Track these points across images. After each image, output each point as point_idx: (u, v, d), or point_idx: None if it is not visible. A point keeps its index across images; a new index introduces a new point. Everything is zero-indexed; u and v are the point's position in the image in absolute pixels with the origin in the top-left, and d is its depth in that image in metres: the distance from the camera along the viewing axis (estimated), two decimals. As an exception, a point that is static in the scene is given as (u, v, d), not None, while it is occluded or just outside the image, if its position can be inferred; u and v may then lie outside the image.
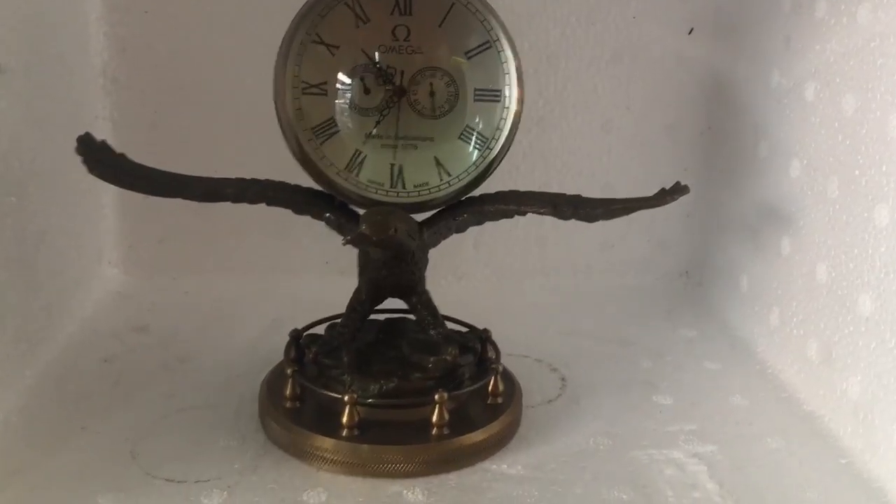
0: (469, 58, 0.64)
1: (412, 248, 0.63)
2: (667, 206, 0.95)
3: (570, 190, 0.94)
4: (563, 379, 0.76)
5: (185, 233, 0.93)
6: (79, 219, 0.85)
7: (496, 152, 0.65)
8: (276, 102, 0.63)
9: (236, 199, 0.62)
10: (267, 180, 0.65)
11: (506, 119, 0.64)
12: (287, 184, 0.65)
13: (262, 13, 0.85)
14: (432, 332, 0.67)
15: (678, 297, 0.97)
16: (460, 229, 0.67)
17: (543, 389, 0.74)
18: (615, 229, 0.96)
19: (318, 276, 0.94)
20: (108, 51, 0.87)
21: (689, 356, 0.82)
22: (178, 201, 0.89)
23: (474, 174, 0.65)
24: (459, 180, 0.65)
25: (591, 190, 0.95)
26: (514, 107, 0.64)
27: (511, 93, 0.64)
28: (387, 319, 0.72)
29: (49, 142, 0.75)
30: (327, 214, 0.65)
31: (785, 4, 0.78)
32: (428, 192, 0.65)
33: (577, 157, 0.94)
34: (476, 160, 0.65)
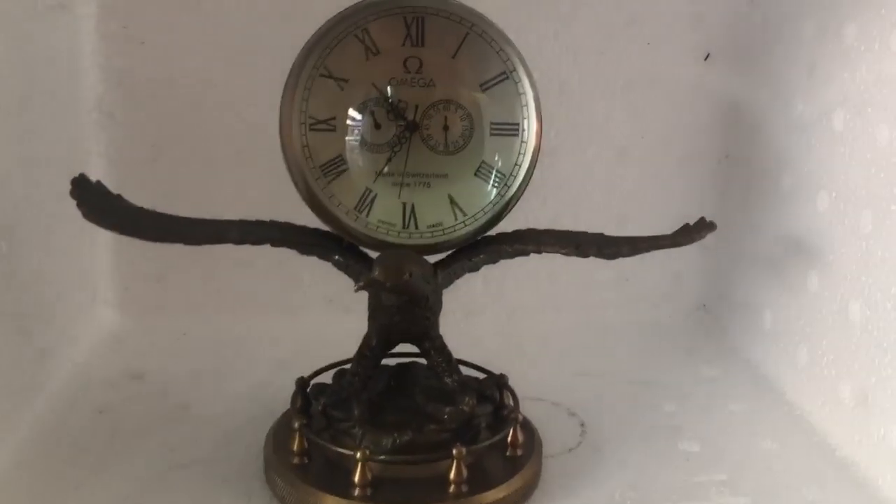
0: (485, 90, 0.60)
1: (427, 293, 0.60)
2: (682, 238, 0.94)
3: (584, 222, 0.91)
4: (582, 425, 0.72)
5: (183, 270, 0.89)
6: (72, 258, 0.81)
7: (514, 190, 0.61)
8: (281, 139, 0.60)
9: (239, 242, 0.59)
10: (271, 221, 0.61)
11: (524, 154, 0.61)
12: (293, 225, 0.62)
13: (267, 44, 0.82)
14: (447, 380, 0.63)
15: (696, 331, 0.93)
16: (474, 269, 0.64)
17: (563, 437, 0.70)
18: (630, 262, 0.91)
19: (321, 314, 0.90)
20: (104, 84, 0.83)
21: (713, 397, 0.78)
22: (181, 212, 0.87)
23: (491, 213, 0.61)
24: (475, 220, 0.61)
25: (605, 222, 0.91)
26: (532, 141, 0.60)
27: (529, 126, 0.61)
28: (398, 365, 0.68)
29: (40, 181, 0.72)
30: (336, 257, 0.62)
31: (807, 30, 0.75)
32: (442, 232, 0.61)
33: (589, 188, 0.91)
34: (493, 198, 0.61)
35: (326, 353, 0.71)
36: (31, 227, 0.71)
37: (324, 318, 0.89)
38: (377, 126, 0.60)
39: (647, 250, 0.63)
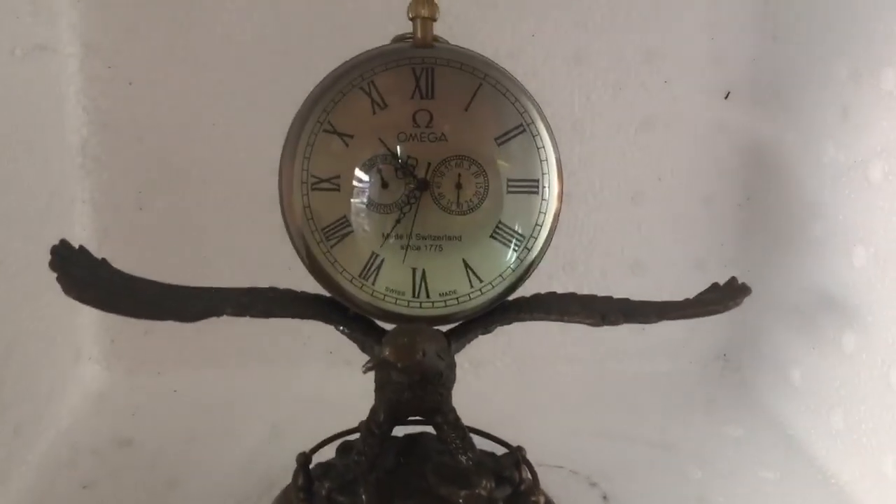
0: (500, 144, 0.55)
1: (441, 370, 0.55)
2: (700, 282, 0.88)
3: (597, 268, 0.88)
4: (605, 497, 0.67)
5: (172, 323, 0.84)
6: (53, 314, 0.75)
7: (535, 253, 0.56)
8: (281, 199, 0.55)
9: (237, 316, 0.54)
10: (270, 289, 0.56)
11: (545, 213, 0.56)
12: (294, 294, 0.57)
13: (263, 83, 0.79)
14: (462, 458, 0.58)
15: (717, 384, 0.88)
16: (488, 332, 0.59)
17: (584, 511, 0.66)
18: (645, 309, 0.89)
19: (321, 367, 0.85)
20: (88, 127, 0.78)
21: (740, 462, 0.73)
22: (166, 275, 0.82)
23: (510, 280, 0.56)
24: (493, 287, 0.56)
25: (620, 268, 0.88)
26: (554, 203, 0.56)
27: (550, 183, 0.55)
28: (406, 437, 0.63)
29: (18, 233, 0.67)
30: (341, 328, 0.57)
31: (840, 72, 0.70)
32: (456, 301, 0.56)
33: (604, 233, 0.86)
34: (511, 263, 0.56)
35: (326, 410, 0.66)
36: (8, 286, 0.66)
37: (324, 372, 0.84)
38: (385, 185, 0.55)
39: (677, 318, 0.58)
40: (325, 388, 0.82)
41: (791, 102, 0.79)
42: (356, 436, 0.61)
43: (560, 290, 0.86)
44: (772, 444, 0.76)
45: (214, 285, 0.81)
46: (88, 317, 0.82)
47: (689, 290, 0.88)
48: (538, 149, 0.55)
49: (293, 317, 0.55)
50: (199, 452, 0.72)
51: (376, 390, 0.58)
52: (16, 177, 0.67)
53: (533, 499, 0.58)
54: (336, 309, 0.57)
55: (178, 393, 0.82)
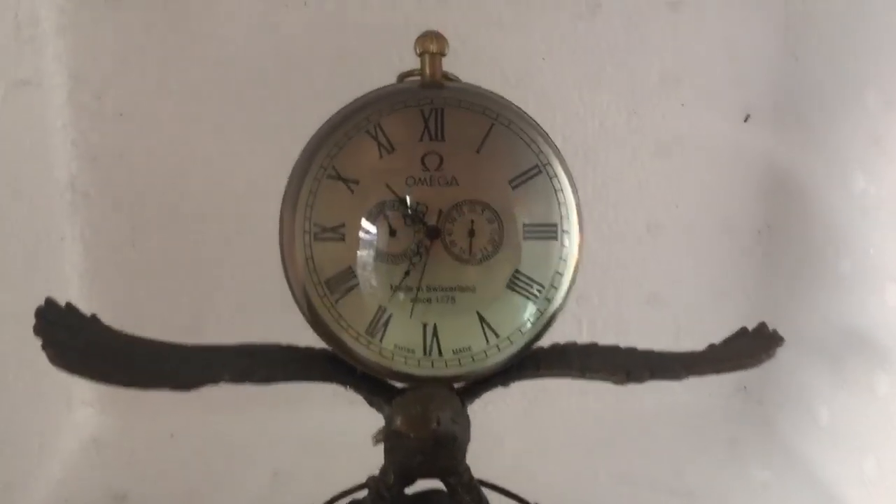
0: (515, 187, 0.51)
1: (456, 434, 0.51)
2: (719, 315, 0.85)
3: (611, 301, 0.84)
4: (629, 554, 0.64)
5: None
6: (43, 357, 0.72)
7: (557, 304, 0.52)
8: (281, 249, 0.51)
9: (235, 383, 0.50)
10: (273, 349, 0.52)
11: (566, 260, 0.52)
12: (297, 353, 0.53)
13: (258, 115, 0.75)
14: None
15: (738, 418, 0.84)
16: (505, 387, 0.55)
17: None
18: (661, 340, 0.84)
19: (324, 408, 0.81)
20: (77, 161, 0.74)
21: (769, 509, 0.69)
22: (161, 316, 0.79)
23: (529, 335, 0.52)
24: (511, 343, 0.52)
25: (636, 301, 0.84)
26: (574, 249, 0.52)
27: (570, 227, 0.52)
28: (416, 496, 0.59)
29: (2, 274, 0.63)
30: (348, 388, 0.53)
31: (869, 96, 0.66)
32: (471, 359, 0.52)
33: (618, 264, 0.82)
34: (531, 316, 0.52)
35: (332, 459, 0.65)
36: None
37: (328, 412, 0.80)
38: (392, 233, 0.51)
39: (707, 374, 0.54)
40: (328, 430, 0.78)
41: (815, 126, 0.75)
42: (365, 492, 0.57)
43: (573, 324, 0.83)
44: (801, 490, 0.72)
45: (212, 326, 0.79)
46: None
47: (708, 323, 0.85)
48: (556, 191, 0.52)
49: (297, 380, 0.52)
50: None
51: (385, 452, 0.54)
52: (3, 213, 0.64)
53: (555, 566, 0.55)
54: (343, 368, 0.53)
55: (175, 437, 0.78)
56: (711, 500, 0.70)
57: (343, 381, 0.53)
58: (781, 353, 0.80)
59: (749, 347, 0.56)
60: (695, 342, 0.84)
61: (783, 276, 0.80)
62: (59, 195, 0.74)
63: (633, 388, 0.85)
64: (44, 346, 0.46)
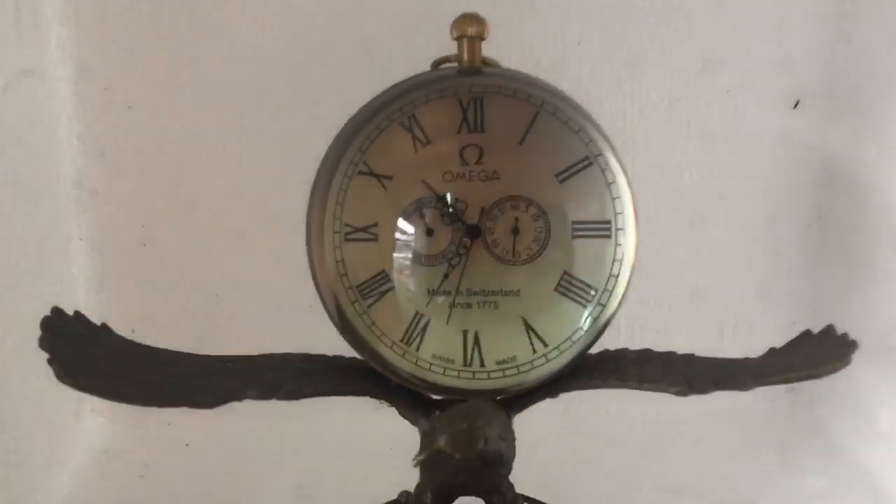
0: (562, 181, 0.47)
1: (502, 452, 0.46)
2: (766, 313, 0.80)
3: (651, 298, 0.79)
4: (682, 573, 0.59)
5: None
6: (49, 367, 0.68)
7: (612, 310, 0.48)
8: (309, 251, 0.47)
9: (261, 399, 0.46)
10: (301, 359, 0.48)
11: (621, 261, 0.48)
12: (327, 363, 0.48)
13: (276, 104, 0.71)
14: None
15: (788, 421, 0.79)
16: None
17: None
18: (703, 340, 0.80)
19: (351, 415, 0.76)
20: (84, 157, 0.70)
21: (827, 521, 0.65)
22: (174, 320, 0.74)
23: (581, 344, 0.48)
24: (560, 352, 0.48)
25: (678, 298, 0.79)
26: (631, 250, 0.47)
27: (625, 224, 0.47)
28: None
29: (6, 280, 0.59)
30: (381, 401, 0.49)
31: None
32: (516, 371, 0.48)
33: (659, 260, 0.77)
34: (582, 322, 0.47)
35: (358, 469, 0.64)
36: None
37: (353, 419, 0.76)
38: (430, 233, 0.47)
39: (776, 384, 0.50)
40: (354, 438, 0.74)
41: (870, 113, 0.70)
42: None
43: (612, 325, 0.79)
44: (861, 500, 0.67)
45: (230, 332, 0.75)
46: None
47: (754, 321, 0.80)
48: (608, 185, 0.47)
49: (327, 394, 0.47)
50: (216, 526, 0.64)
51: (423, 469, 0.50)
52: (7, 213, 0.60)
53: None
54: (377, 379, 0.48)
55: (190, 447, 0.74)
56: (766, 511, 0.66)
57: (377, 395, 0.48)
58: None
59: (819, 353, 0.51)
60: (739, 341, 0.81)
61: (835, 272, 0.76)
62: (66, 193, 0.70)
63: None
64: (50, 362, 0.42)
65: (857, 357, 0.72)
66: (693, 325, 0.79)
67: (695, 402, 0.79)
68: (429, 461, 0.47)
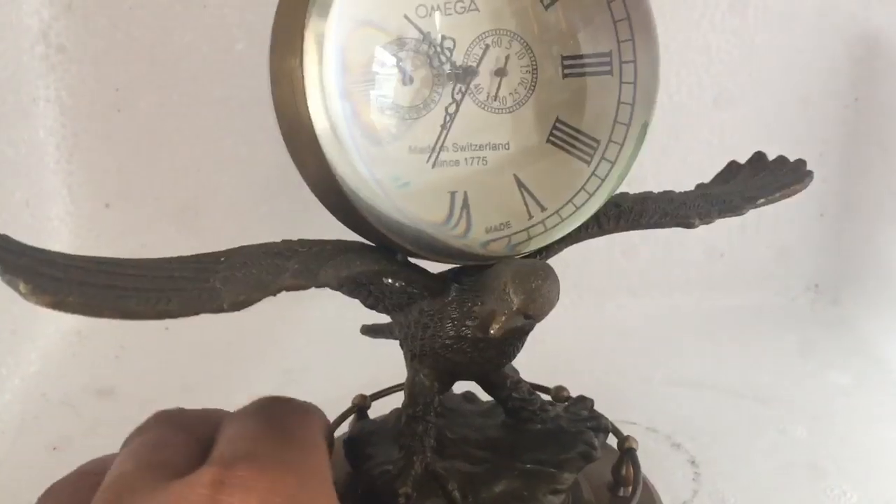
0: (548, 5, 0.38)
1: None
2: (793, 205, 0.75)
3: (670, 184, 0.70)
4: (693, 462, 0.55)
5: (165, 235, 0.70)
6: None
7: (622, 166, 0.39)
8: (274, 96, 0.39)
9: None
10: (284, 245, 0.38)
11: (631, 104, 0.39)
12: (322, 248, 0.37)
13: None
14: (539, 426, 0.45)
15: (809, 321, 0.74)
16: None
17: (671, 481, 0.53)
18: (723, 234, 0.75)
19: (334, 303, 0.72)
20: (49, 8, 0.64)
21: (852, 417, 0.60)
22: (153, 193, 0.69)
23: (587, 209, 0.39)
24: (561, 219, 0.39)
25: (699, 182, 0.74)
26: (644, 85, 0.39)
27: (635, 55, 0.38)
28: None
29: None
30: (389, 280, 0.38)
31: None
32: (507, 239, 0.39)
33: (681, 142, 0.72)
34: (585, 182, 0.39)
35: (348, 357, 0.59)
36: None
37: (339, 308, 0.71)
38: (409, 80, 0.39)
39: (765, 204, 0.44)
40: (341, 326, 0.70)
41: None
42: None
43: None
44: (888, 395, 0.62)
45: (213, 204, 0.69)
46: (64, 232, 0.69)
47: (777, 211, 0.75)
48: (608, 3, 0.38)
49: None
50: (196, 404, 0.59)
51: (417, 355, 0.43)
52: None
53: (626, 444, 0.46)
54: (384, 258, 0.38)
55: (170, 330, 0.69)
56: (783, 404, 0.61)
57: (387, 274, 0.38)
58: (859, 244, 0.72)
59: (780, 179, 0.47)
60: (763, 232, 0.75)
61: (871, 159, 0.70)
62: (30, 48, 0.65)
63: (688, 288, 0.77)
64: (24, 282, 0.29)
65: (886, 246, 0.67)
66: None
67: (712, 298, 0.76)
68: (424, 337, 0.41)
